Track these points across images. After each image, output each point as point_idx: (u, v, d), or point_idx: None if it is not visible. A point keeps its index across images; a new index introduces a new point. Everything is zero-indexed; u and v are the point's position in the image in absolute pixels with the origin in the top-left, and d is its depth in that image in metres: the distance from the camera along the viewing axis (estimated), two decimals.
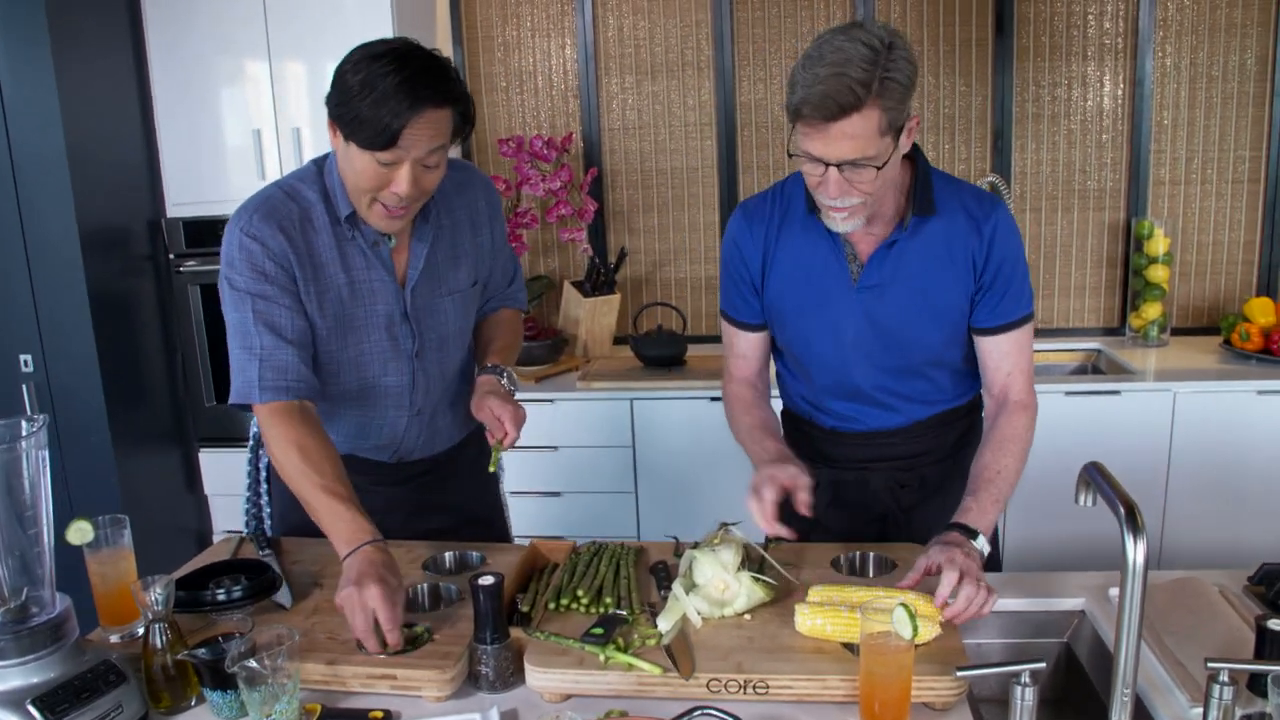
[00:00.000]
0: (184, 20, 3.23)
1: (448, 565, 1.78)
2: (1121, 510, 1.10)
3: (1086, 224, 3.57)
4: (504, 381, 1.86)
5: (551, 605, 1.54)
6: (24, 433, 1.33)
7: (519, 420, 1.76)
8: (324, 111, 1.57)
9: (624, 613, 1.50)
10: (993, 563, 1.68)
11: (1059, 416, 2.99)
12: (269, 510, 2.03)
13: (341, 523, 1.53)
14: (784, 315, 1.77)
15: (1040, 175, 3.56)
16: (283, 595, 1.63)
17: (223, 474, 3.53)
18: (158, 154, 3.32)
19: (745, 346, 1.85)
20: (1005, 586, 1.66)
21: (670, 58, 3.65)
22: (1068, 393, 3.01)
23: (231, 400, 1.70)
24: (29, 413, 3.05)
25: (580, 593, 1.54)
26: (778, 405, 1.91)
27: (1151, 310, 3.42)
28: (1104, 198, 3.54)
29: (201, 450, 3.51)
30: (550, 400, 3.24)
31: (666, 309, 3.71)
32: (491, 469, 1.82)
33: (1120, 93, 3.46)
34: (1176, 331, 3.54)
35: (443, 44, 3.64)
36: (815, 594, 1.47)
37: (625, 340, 3.63)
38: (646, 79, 3.68)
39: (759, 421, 1.79)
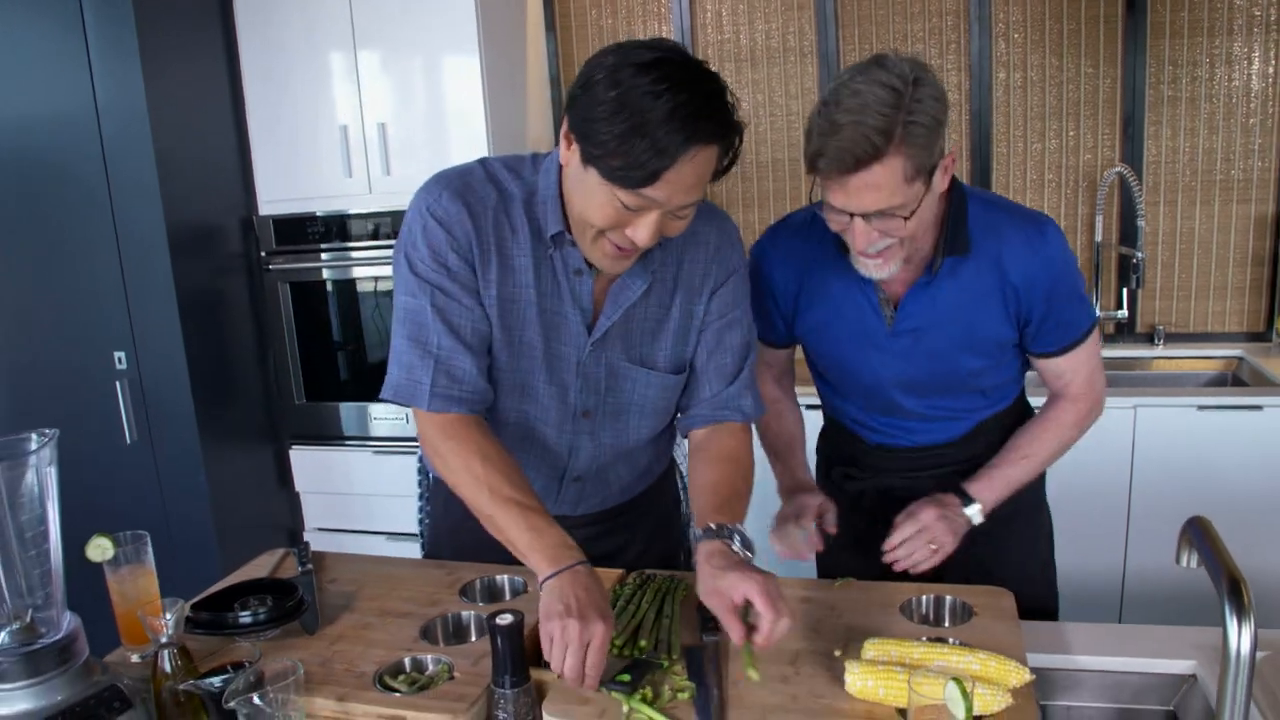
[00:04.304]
0: (273, 13, 3.21)
1: (489, 590, 1.67)
2: (1224, 582, 0.90)
3: (1229, 218, 3.23)
4: (735, 546, 1.35)
5: None
6: (32, 448, 1.28)
7: (774, 600, 1.23)
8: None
9: (659, 658, 1.36)
10: (1109, 606, 1.62)
11: (1189, 434, 2.70)
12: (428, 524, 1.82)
13: (541, 539, 1.32)
14: (819, 350, 1.74)
15: (1176, 165, 3.23)
16: (308, 619, 1.55)
17: (314, 472, 3.52)
18: (249, 152, 3.32)
19: (770, 357, 1.82)
20: (1104, 642, 1.45)
21: (771, 43, 3.46)
22: (1200, 406, 2.71)
23: (389, 397, 1.46)
24: (123, 411, 3.09)
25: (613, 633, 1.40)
26: (812, 416, 1.89)
27: None
28: (1250, 188, 3.19)
29: (292, 448, 3.51)
30: None
31: None
32: (755, 676, 1.24)
33: (1271, 71, 3.10)
34: None
35: (535, 32, 3.54)
36: (870, 648, 1.29)
37: None
38: (746, 66, 3.50)
39: (784, 434, 1.79)
